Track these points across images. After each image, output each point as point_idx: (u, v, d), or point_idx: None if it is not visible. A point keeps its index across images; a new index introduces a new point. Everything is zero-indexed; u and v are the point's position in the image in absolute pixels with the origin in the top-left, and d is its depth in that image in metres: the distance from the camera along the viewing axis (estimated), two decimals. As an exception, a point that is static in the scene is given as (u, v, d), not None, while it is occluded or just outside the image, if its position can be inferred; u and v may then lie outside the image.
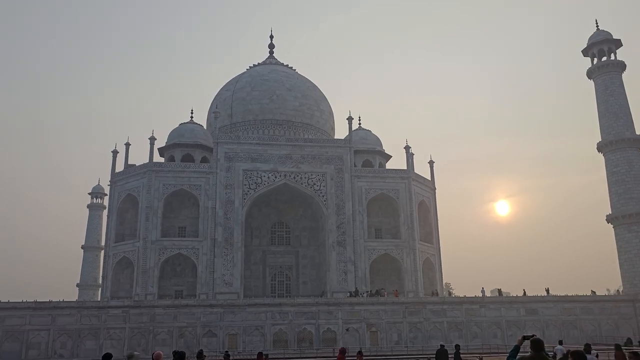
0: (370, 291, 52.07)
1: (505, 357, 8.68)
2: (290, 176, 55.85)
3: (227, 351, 16.55)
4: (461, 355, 23.17)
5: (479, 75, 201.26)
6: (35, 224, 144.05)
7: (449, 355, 21.91)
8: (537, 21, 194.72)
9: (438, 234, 62.60)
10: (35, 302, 43.49)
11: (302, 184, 56.03)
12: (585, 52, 59.24)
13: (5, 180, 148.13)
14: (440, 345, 23.09)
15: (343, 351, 16.32)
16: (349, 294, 51.11)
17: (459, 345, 23.81)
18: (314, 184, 56.22)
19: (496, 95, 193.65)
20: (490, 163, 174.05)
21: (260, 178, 55.37)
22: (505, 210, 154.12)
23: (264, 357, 16.48)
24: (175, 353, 10.50)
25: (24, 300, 43.61)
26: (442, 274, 61.98)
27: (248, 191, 54.86)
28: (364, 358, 16.56)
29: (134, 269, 52.51)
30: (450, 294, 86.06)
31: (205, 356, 12.13)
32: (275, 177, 55.61)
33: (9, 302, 43.27)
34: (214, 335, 44.07)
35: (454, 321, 48.05)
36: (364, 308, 47.06)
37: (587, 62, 59.32)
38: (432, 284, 59.68)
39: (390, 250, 56.53)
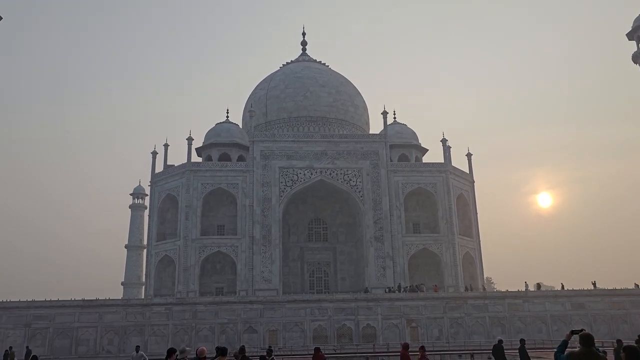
0: (410, 286, 51.58)
1: (553, 352, 8.39)
2: (326, 172, 55.90)
3: (270, 346, 16.60)
4: (504, 351, 22.52)
5: (516, 63, 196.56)
6: (81, 225, 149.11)
7: (509, 351, 21.30)
8: (578, 5, 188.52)
9: (478, 228, 61.51)
10: (83, 300, 44.98)
11: (338, 180, 55.99)
12: (630, 36, 56.89)
13: (53, 183, 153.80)
14: (499, 340, 22.42)
15: (406, 346, 16.04)
16: (387, 289, 50.83)
17: (524, 340, 22.45)
18: (350, 179, 56.10)
19: (535, 84, 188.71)
20: (530, 154, 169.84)
21: (297, 175, 55.63)
22: (548, 202, 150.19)
23: (320, 352, 16.39)
24: (218, 349, 10.65)
25: (73, 299, 45.17)
26: (482, 268, 60.90)
27: (284, 188, 55.21)
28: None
29: (176, 267, 53.66)
30: (484, 288, 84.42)
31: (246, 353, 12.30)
32: (311, 174, 55.77)
33: (58, 300, 44.89)
34: (255, 331, 44.58)
35: (497, 316, 47.10)
36: (403, 304, 46.69)
37: (631, 46, 57.00)
38: (473, 278, 58.71)
39: (428, 245, 55.91)
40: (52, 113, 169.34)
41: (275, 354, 15.35)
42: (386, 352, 34.50)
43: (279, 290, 51.93)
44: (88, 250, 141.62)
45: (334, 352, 36.49)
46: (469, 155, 63.95)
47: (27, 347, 36.29)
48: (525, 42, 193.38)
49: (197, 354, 10.57)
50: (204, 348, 10.86)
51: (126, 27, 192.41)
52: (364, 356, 31.42)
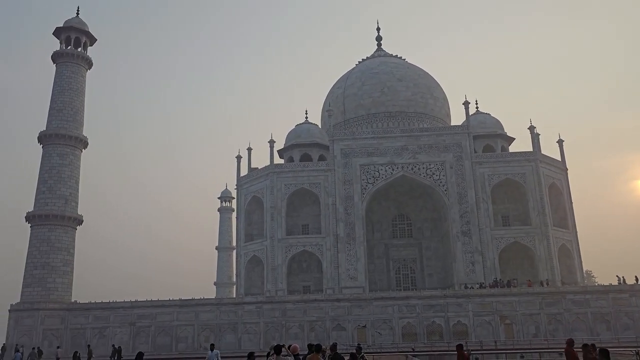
0: (499, 279, 49.53)
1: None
2: (407, 168, 55.11)
3: (359, 344, 16.54)
4: (610, 349, 20.79)
5: (606, 42, 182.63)
6: (175, 229, 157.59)
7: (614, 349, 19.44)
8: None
9: (574, 218, 57.87)
10: (181, 300, 47.55)
11: (420, 174, 55.00)
12: None
13: (146, 190, 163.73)
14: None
15: (571, 342, 15.11)
16: (478, 285, 49.22)
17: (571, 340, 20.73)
18: (433, 173, 54.91)
19: (629, 63, 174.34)
20: (627, 138, 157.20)
21: (378, 172, 55.32)
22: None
23: (464, 350, 15.97)
24: (311, 346, 10.84)
25: (171, 299, 47.87)
26: (581, 260, 57.21)
27: (366, 186, 55.09)
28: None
29: (264, 266, 55.24)
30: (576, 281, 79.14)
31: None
32: (393, 170, 55.21)
33: (158, 300, 47.79)
34: (343, 329, 44.88)
35: (600, 312, 44.21)
36: (495, 300, 45.02)
37: None
38: (571, 271, 55.34)
39: (520, 238, 53.44)
40: (148, 116, 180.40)
41: (365, 351, 15.26)
42: (480, 350, 33.35)
43: (366, 287, 51.90)
44: (184, 251, 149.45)
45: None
46: (560, 142, 60.37)
47: (112, 345, 38.64)
48: (616, 20, 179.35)
49: (290, 352, 10.78)
50: (297, 345, 11.06)
51: (210, 33, 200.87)
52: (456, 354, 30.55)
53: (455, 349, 15.95)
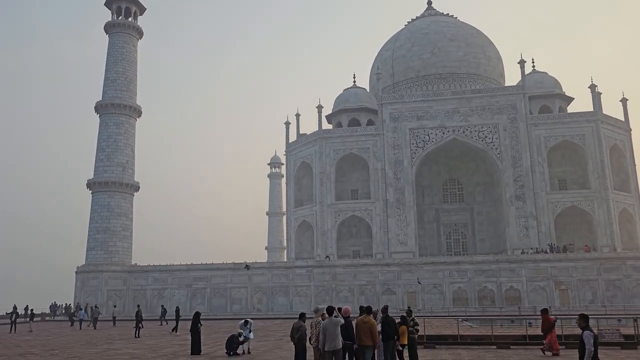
0: (554, 245, 48.17)
1: None
2: (459, 131, 53.77)
3: (409, 307, 16.57)
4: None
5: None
6: (228, 196, 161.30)
7: None
8: None
9: (637, 181, 55.08)
10: (234, 263, 49.04)
11: (472, 137, 53.58)
12: None
13: (204, 159, 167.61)
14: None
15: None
16: (532, 250, 48.07)
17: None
18: (486, 136, 53.36)
19: None
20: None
21: (428, 135, 54.29)
22: None
23: (547, 314, 15.99)
24: (363, 308, 11.01)
25: (225, 262, 49.44)
26: (644, 226, 54.69)
27: (416, 150, 54.27)
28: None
29: (314, 231, 55.94)
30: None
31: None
32: (443, 133, 54.02)
33: (213, 263, 49.49)
34: (393, 292, 45.17)
35: (663, 278, 42.46)
36: (550, 265, 43.99)
37: None
38: (632, 237, 53.11)
39: (577, 202, 51.55)
40: (195, 82, 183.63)
41: (415, 314, 15.25)
42: (533, 315, 32.82)
43: (415, 252, 51.75)
44: (237, 217, 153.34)
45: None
46: (623, 100, 57.06)
47: (162, 306, 39.92)
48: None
49: (342, 314, 10.91)
50: (349, 307, 11.20)
51: (259, 0, 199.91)
52: (508, 319, 30.22)
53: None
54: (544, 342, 15.59)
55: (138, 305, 29.72)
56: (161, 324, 35.38)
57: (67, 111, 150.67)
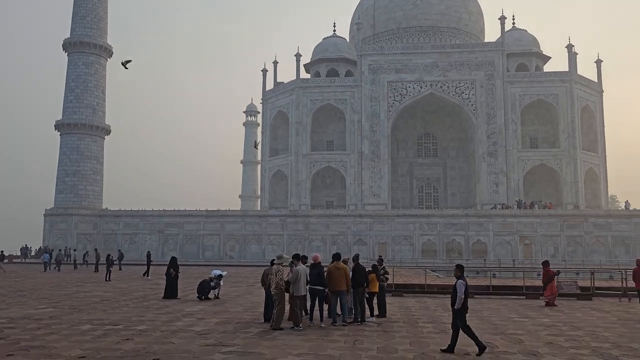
0: (522, 201, 49.53)
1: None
2: (436, 85, 53.69)
3: (380, 256, 16.96)
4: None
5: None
6: (203, 142, 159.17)
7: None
8: None
9: (604, 142, 56.46)
10: (207, 210, 49.05)
11: (449, 93, 53.64)
12: None
13: (174, 103, 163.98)
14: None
15: None
16: (500, 206, 49.33)
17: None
18: (462, 92, 53.48)
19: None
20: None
21: (406, 89, 54.10)
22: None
23: (548, 267, 16.21)
24: (335, 255, 11.29)
25: (198, 209, 49.40)
26: (607, 185, 56.52)
27: (393, 103, 54.14)
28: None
29: (288, 181, 56.07)
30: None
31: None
32: (421, 87, 53.90)
33: (185, 210, 49.39)
34: (364, 243, 46.12)
35: (620, 235, 44.38)
36: (516, 220, 45.38)
37: None
38: (595, 196, 54.90)
39: (547, 161, 52.73)
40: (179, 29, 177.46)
41: (385, 264, 15.63)
42: (498, 267, 34.08)
43: (388, 205, 52.54)
44: (211, 164, 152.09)
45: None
46: (598, 62, 57.56)
47: (95, 249, 39.18)
48: None
49: (312, 260, 11.15)
50: (318, 255, 11.44)
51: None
52: (474, 270, 31.31)
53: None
54: (544, 293, 16.02)
55: (96, 249, 29.40)
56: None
57: (35, 47, 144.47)
